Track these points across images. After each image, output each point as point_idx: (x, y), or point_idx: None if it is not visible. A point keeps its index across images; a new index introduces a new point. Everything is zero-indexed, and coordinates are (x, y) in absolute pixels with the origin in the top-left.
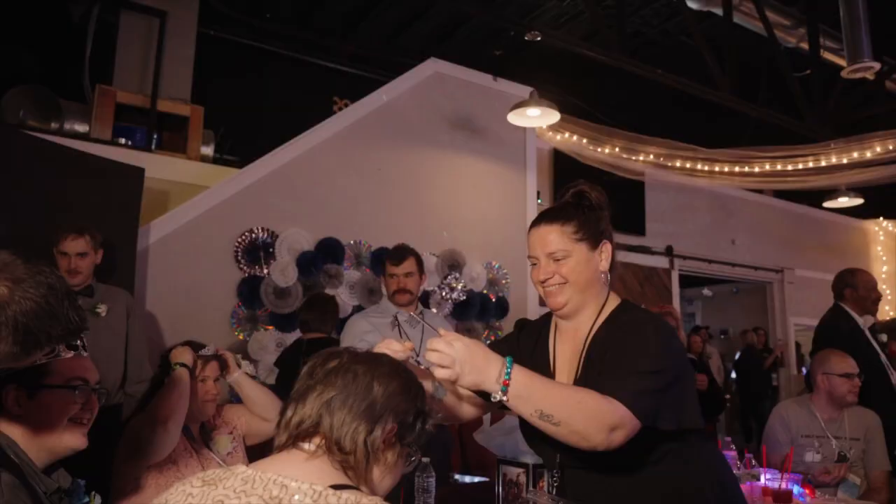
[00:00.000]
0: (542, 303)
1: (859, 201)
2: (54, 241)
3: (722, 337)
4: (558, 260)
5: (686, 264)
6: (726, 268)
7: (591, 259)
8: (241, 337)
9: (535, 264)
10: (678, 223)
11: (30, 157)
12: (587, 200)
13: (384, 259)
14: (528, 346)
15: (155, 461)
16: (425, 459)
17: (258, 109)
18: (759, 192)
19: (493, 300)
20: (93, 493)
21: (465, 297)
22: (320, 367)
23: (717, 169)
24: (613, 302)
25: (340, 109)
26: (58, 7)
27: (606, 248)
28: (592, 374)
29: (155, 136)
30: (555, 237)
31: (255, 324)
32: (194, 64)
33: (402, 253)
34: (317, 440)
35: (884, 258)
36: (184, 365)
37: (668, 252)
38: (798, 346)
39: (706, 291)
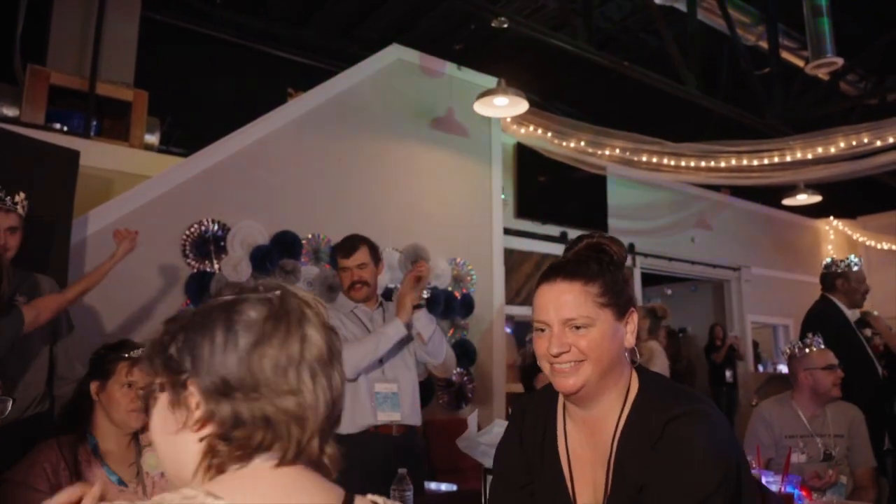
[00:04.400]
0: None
1: (818, 198)
2: None
3: (681, 335)
4: (577, 328)
5: (647, 262)
6: (686, 265)
7: (617, 331)
8: None
9: (542, 330)
10: (640, 220)
11: None
12: (608, 256)
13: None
14: (535, 446)
15: None
16: (402, 470)
17: (207, 99)
18: (717, 189)
19: (458, 298)
20: None
21: (428, 295)
22: None
23: (682, 164)
24: (635, 385)
25: None
26: None
27: (633, 318)
28: (626, 496)
29: (94, 122)
30: (575, 299)
31: None
32: (139, 48)
33: (352, 242)
34: None
35: (834, 256)
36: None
37: (630, 250)
38: (756, 344)
39: (668, 291)
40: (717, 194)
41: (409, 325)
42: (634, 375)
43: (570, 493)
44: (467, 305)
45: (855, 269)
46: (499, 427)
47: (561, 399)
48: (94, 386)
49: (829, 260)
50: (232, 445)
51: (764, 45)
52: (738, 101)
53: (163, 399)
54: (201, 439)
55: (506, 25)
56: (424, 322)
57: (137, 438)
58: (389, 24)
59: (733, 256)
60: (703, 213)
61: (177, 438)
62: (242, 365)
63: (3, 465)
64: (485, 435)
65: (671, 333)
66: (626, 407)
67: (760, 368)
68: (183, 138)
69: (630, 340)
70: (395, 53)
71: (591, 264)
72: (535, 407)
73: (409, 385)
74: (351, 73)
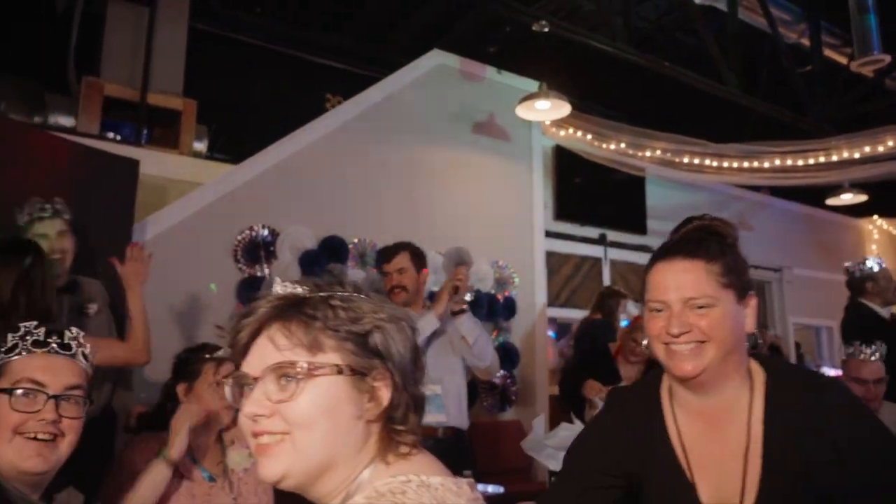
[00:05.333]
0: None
1: (863, 198)
2: (28, 225)
3: None
4: (698, 308)
5: None
6: None
7: (738, 314)
8: None
9: (658, 311)
10: (679, 222)
11: (18, 147)
12: (722, 238)
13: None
14: (640, 443)
15: None
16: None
17: (247, 106)
18: (757, 189)
19: (501, 300)
20: None
21: (471, 297)
22: None
23: (725, 165)
24: (758, 371)
25: (333, 106)
26: None
27: (753, 302)
28: (789, 493)
29: (145, 131)
30: (698, 277)
31: None
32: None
33: (393, 248)
34: None
35: (850, 263)
36: (166, 457)
37: None
38: (798, 345)
39: None
40: (757, 194)
41: (442, 321)
42: (754, 361)
43: (693, 488)
44: (510, 308)
45: (877, 269)
46: (565, 430)
47: (666, 389)
48: (181, 388)
49: (849, 265)
50: (405, 430)
51: (805, 42)
52: (777, 100)
53: (335, 382)
54: (382, 426)
55: (546, 29)
56: (469, 325)
57: (221, 437)
58: (424, 29)
59: (774, 257)
60: (743, 214)
61: (350, 423)
62: (412, 360)
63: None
64: (552, 438)
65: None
66: (755, 394)
67: None
68: (227, 144)
69: (750, 325)
70: (435, 59)
71: (711, 244)
72: (636, 400)
73: (454, 387)
74: (393, 79)
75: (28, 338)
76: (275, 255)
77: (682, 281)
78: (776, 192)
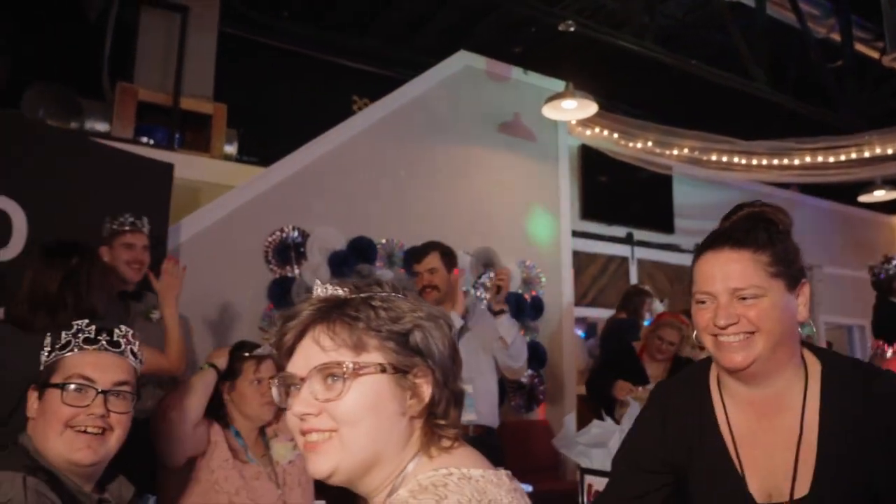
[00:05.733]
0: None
1: None
2: (112, 235)
3: None
4: (746, 299)
5: None
6: None
7: (789, 303)
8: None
9: (704, 302)
10: (706, 220)
11: (54, 153)
12: (773, 225)
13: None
14: (689, 433)
15: (169, 460)
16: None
17: (275, 109)
18: (787, 187)
19: (528, 300)
20: None
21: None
22: None
23: (754, 162)
24: (813, 361)
25: (360, 108)
26: (75, 4)
27: (805, 290)
28: (845, 485)
29: (177, 135)
30: (745, 268)
31: None
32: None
33: (423, 248)
34: None
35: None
36: (212, 365)
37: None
38: (829, 344)
39: None
40: (786, 192)
41: (465, 318)
42: (808, 351)
43: (743, 479)
44: (537, 308)
45: None
46: (597, 428)
47: (714, 379)
48: (224, 387)
49: (873, 265)
50: (447, 425)
51: (835, 37)
52: (806, 97)
53: (379, 380)
54: (424, 421)
55: (572, 29)
56: (507, 326)
57: (264, 432)
58: (449, 30)
59: (804, 255)
60: None
61: (394, 419)
62: (450, 356)
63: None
64: (583, 435)
65: None
66: (810, 384)
67: None
68: (256, 147)
69: (803, 313)
70: (461, 60)
71: (759, 232)
72: (683, 391)
73: (486, 386)
74: (419, 81)
75: (80, 335)
76: (305, 255)
77: (728, 272)
78: (806, 189)
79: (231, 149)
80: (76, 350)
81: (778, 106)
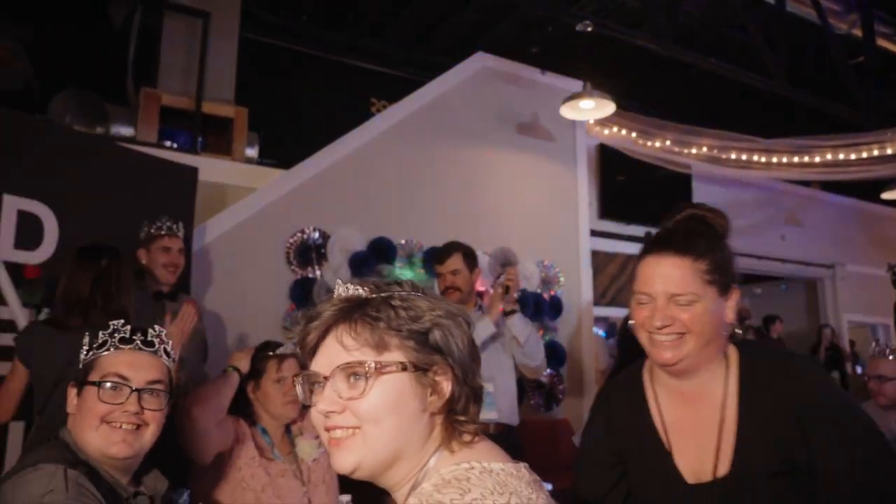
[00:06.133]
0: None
1: None
2: (149, 238)
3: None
4: (681, 304)
5: (735, 261)
6: (776, 264)
7: (719, 307)
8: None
9: (644, 303)
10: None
11: (83, 158)
12: (713, 230)
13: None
14: (627, 426)
15: (195, 455)
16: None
17: (294, 111)
18: (807, 184)
19: (547, 300)
20: None
21: (518, 297)
22: None
23: (774, 160)
24: (734, 353)
25: (378, 111)
26: (99, 11)
27: (735, 295)
28: (762, 459)
29: (199, 139)
30: (684, 275)
31: None
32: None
33: (446, 249)
34: None
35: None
36: (234, 368)
37: None
38: (852, 343)
39: (757, 290)
40: (807, 189)
41: (498, 325)
42: (732, 346)
43: (672, 460)
44: (556, 307)
45: None
46: None
47: (648, 372)
48: (249, 386)
49: (891, 264)
50: (467, 420)
51: (857, 32)
52: (827, 93)
53: (401, 378)
54: (444, 417)
55: (590, 29)
56: (520, 326)
57: (290, 429)
58: (466, 31)
59: (826, 253)
60: (793, 210)
61: (416, 416)
62: (469, 353)
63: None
64: None
65: (760, 333)
66: (730, 373)
67: (858, 370)
68: (275, 149)
69: (730, 316)
70: (479, 61)
71: (701, 240)
72: (620, 388)
73: (506, 385)
74: (438, 83)
75: (115, 335)
76: (325, 256)
77: (668, 277)
78: (827, 186)
79: (252, 151)
80: (112, 349)
81: (798, 104)
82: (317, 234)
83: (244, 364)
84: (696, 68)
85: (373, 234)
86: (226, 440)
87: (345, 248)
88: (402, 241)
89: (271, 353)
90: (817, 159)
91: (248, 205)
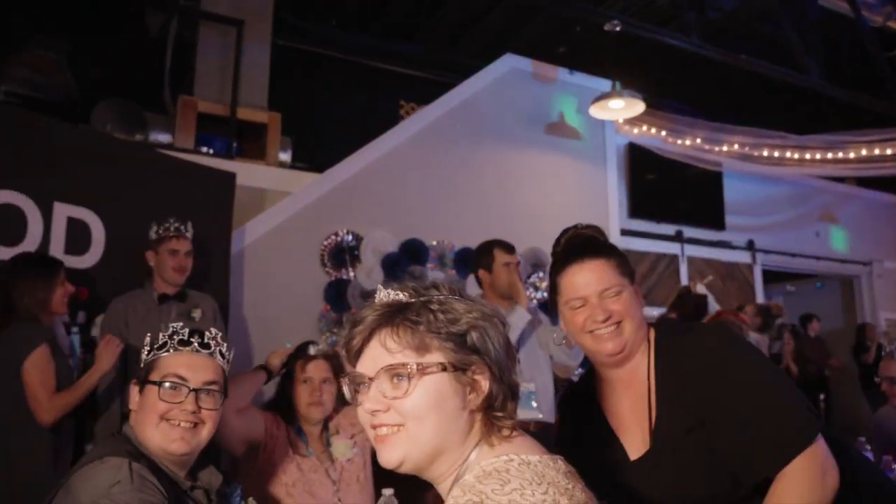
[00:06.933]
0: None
1: None
2: (157, 240)
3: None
4: (611, 297)
5: (769, 259)
6: (810, 261)
7: (637, 294)
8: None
9: (578, 307)
10: (758, 216)
11: (126, 165)
12: (603, 236)
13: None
14: (582, 419)
15: (221, 444)
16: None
17: (325, 115)
18: (842, 180)
19: None
20: (249, 498)
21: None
22: None
23: (807, 156)
24: (653, 334)
25: (407, 113)
26: (136, 22)
27: (637, 286)
28: (678, 421)
29: (235, 144)
30: (604, 272)
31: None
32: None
33: (486, 247)
34: None
35: None
36: (263, 367)
37: (750, 247)
38: (880, 346)
39: (791, 288)
40: (842, 186)
41: (532, 312)
42: (651, 329)
43: (619, 441)
44: None
45: None
46: None
47: (595, 375)
48: (286, 385)
49: None
50: (504, 416)
51: (892, 25)
52: (861, 88)
53: (441, 378)
54: (483, 414)
55: (618, 29)
56: None
57: (327, 427)
58: (495, 32)
59: (863, 250)
60: (828, 206)
61: (456, 413)
62: (506, 352)
63: None
64: None
65: (796, 333)
66: (651, 355)
67: None
68: (307, 153)
69: (642, 303)
70: (508, 63)
71: (603, 244)
72: (575, 389)
73: (545, 384)
74: (467, 85)
75: (175, 337)
76: (359, 258)
77: (592, 278)
78: (863, 182)
79: (285, 156)
80: (171, 350)
81: (832, 98)
82: (350, 237)
83: (276, 363)
84: (726, 65)
85: (405, 236)
86: (250, 430)
87: (377, 249)
88: (434, 243)
89: (295, 355)
90: (851, 155)
91: (284, 208)
